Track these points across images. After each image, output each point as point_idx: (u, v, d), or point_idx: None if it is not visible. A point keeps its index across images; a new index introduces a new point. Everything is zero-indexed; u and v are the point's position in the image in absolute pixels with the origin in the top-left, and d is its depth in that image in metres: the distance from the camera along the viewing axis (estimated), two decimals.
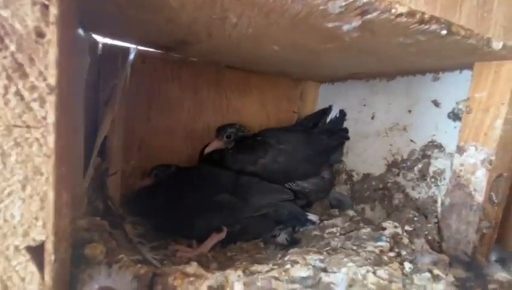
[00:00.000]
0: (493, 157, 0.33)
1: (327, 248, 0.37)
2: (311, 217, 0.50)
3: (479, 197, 0.34)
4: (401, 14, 0.25)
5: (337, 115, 0.62)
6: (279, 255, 0.33)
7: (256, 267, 0.28)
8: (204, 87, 0.58)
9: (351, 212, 0.51)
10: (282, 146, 0.57)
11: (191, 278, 0.25)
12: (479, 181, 0.34)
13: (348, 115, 0.59)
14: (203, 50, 0.45)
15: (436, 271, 0.24)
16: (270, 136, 0.58)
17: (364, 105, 0.56)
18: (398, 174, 0.47)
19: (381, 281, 0.21)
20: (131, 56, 0.42)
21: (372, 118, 0.54)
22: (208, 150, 0.56)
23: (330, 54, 0.38)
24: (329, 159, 0.60)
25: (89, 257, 0.22)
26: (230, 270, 0.27)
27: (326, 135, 0.60)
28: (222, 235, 0.47)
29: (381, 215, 0.48)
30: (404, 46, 0.31)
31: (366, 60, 0.40)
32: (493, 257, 0.35)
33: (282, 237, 0.51)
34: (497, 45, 0.30)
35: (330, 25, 0.27)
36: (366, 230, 0.39)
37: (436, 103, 0.42)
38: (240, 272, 0.26)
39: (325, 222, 0.49)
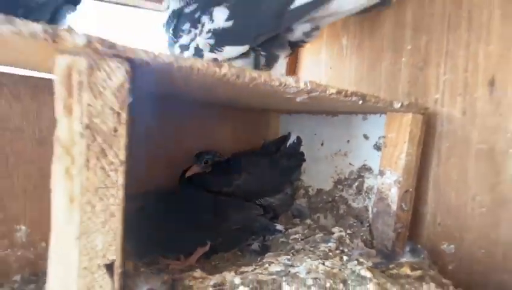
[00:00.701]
0: (401, 179, 0.48)
1: (292, 251, 0.49)
2: (278, 227, 0.62)
3: (394, 207, 0.48)
4: (332, 93, 0.38)
5: (295, 141, 0.76)
6: (258, 259, 0.44)
7: (243, 269, 0.39)
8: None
9: (308, 221, 0.64)
10: (252, 169, 0.69)
11: (200, 280, 0.35)
12: (393, 195, 0.48)
13: (303, 141, 0.73)
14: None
15: (361, 259, 0.36)
16: (241, 161, 0.70)
17: (315, 134, 0.70)
18: (342, 190, 0.62)
19: (327, 269, 0.33)
20: None
21: (322, 144, 0.68)
22: (188, 174, 0.66)
23: (287, 102, 0.51)
24: (290, 178, 0.73)
25: (128, 270, 0.32)
26: (225, 272, 0.37)
27: (287, 158, 0.74)
28: (206, 248, 0.58)
29: (331, 223, 0.62)
30: (339, 102, 0.45)
31: (315, 105, 0.53)
32: (407, 249, 0.50)
33: (255, 246, 0.62)
34: (397, 104, 0.45)
35: (287, 96, 0.40)
36: (319, 235, 0.52)
37: (366, 137, 0.57)
38: (233, 273, 0.37)
39: (289, 230, 0.61)
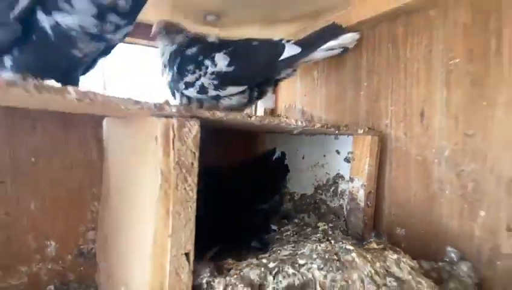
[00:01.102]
0: (366, 183, 0.66)
1: (290, 243, 0.65)
2: (273, 227, 0.77)
3: (362, 204, 0.66)
4: (318, 127, 0.55)
5: (279, 155, 0.92)
6: (267, 251, 0.59)
7: (261, 255, 0.53)
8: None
9: (296, 220, 0.80)
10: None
11: (234, 264, 0.48)
12: (361, 196, 0.66)
13: (288, 155, 0.90)
14: None
15: (344, 241, 0.53)
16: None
17: (297, 150, 0.87)
18: (321, 193, 0.79)
19: (323, 247, 0.49)
20: None
21: (303, 158, 0.85)
22: None
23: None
24: (278, 186, 0.89)
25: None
26: (248, 259, 0.52)
27: (274, 170, 0.90)
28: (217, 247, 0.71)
29: (314, 220, 0.79)
30: (320, 130, 0.62)
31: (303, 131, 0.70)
32: (372, 234, 0.67)
33: (255, 243, 0.77)
34: (360, 131, 0.63)
35: (288, 129, 0.56)
36: (308, 229, 0.68)
37: (338, 152, 0.75)
38: (255, 259, 0.51)
39: (282, 228, 0.76)
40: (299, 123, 0.51)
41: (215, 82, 0.70)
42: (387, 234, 0.64)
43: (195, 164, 0.40)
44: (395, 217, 0.68)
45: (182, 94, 0.74)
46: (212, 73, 0.70)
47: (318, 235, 0.62)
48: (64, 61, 0.50)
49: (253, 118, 0.45)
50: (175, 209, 0.38)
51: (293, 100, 0.99)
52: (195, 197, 0.40)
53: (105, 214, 0.66)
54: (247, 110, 0.79)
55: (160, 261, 0.39)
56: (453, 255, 0.55)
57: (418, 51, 0.65)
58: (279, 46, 0.67)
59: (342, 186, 0.74)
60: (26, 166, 0.68)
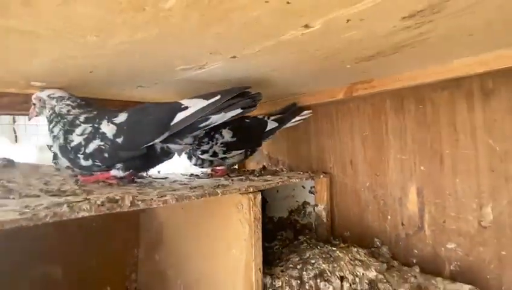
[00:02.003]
0: (326, 207, 1.07)
1: (292, 254, 0.99)
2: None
3: (325, 220, 1.07)
4: (293, 179, 0.92)
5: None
6: (284, 261, 0.93)
7: (290, 263, 0.87)
8: None
9: (278, 237, 1.15)
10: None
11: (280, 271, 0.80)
12: (324, 215, 1.07)
13: (267, 191, 1.25)
14: None
15: (327, 246, 0.90)
16: None
17: (278, 191, 1.23)
18: (294, 215, 1.17)
19: (318, 251, 0.85)
20: None
21: (277, 191, 1.22)
22: None
23: None
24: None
25: None
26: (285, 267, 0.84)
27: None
28: None
29: (290, 235, 1.15)
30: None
31: None
32: (332, 238, 1.08)
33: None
34: (321, 175, 1.04)
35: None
36: (294, 243, 1.04)
37: (303, 187, 1.15)
38: (289, 264, 0.84)
39: (271, 244, 1.11)
40: (294, 179, 0.88)
41: (224, 149, 1.01)
42: (340, 236, 1.06)
43: (260, 216, 0.72)
44: (343, 225, 1.11)
45: (198, 157, 1.02)
46: (221, 143, 1.01)
47: (305, 244, 0.99)
48: (156, 163, 0.75)
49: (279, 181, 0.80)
50: (256, 243, 0.70)
51: (267, 149, 1.35)
52: (261, 234, 0.72)
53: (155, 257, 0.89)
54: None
55: (249, 275, 0.69)
56: (378, 243, 0.99)
57: (344, 125, 1.10)
58: (263, 123, 1.03)
59: (308, 209, 1.13)
60: None
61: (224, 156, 1.02)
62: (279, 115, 1.09)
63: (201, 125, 0.65)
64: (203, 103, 0.62)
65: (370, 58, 0.68)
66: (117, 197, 0.44)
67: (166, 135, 0.63)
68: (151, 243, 0.91)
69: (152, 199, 0.48)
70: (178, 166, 1.26)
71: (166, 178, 0.90)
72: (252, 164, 1.40)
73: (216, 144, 1.00)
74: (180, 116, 0.62)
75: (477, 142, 0.84)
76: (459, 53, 0.76)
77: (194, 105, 0.62)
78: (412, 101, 0.95)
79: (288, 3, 0.38)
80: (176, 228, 0.88)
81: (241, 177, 0.94)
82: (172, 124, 0.63)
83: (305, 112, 1.10)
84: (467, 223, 0.86)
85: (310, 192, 1.13)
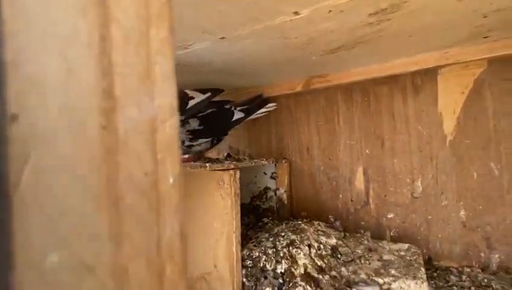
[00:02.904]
0: (286, 190, 1.16)
1: (260, 232, 1.06)
2: None
3: (286, 203, 1.16)
4: (257, 161, 1.00)
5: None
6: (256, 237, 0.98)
7: (262, 237, 0.93)
8: None
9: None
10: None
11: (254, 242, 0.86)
12: (285, 198, 1.16)
13: None
14: None
15: (291, 221, 1.00)
16: None
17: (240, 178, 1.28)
18: (256, 200, 1.24)
19: (285, 226, 0.94)
20: None
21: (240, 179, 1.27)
22: None
23: None
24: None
25: None
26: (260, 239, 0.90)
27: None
28: None
29: (253, 220, 1.22)
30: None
31: None
32: (291, 219, 1.18)
33: None
34: (283, 161, 1.13)
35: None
36: (259, 224, 1.11)
37: (265, 173, 1.23)
38: (263, 238, 0.90)
39: None
40: (263, 162, 0.95)
41: (190, 136, 1.03)
42: (298, 216, 1.17)
43: (239, 191, 0.77)
44: (300, 206, 1.22)
45: None
46: (187, 131, 1.03)
47: (269, 224, 1.07)
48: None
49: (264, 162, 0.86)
50: (236, 216, 0.75)
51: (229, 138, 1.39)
52: (239, 208, 0.77)
53: None
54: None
55: (230, 247, 0.74)
56: (332, 219, 1.12)
57: (301, 115, 1.22)
58: (230, 112, 1.09)
59: (270, 194, 1.22)
60: None
61: (190, 143, 1.04)
62: (245, 106, 1.15)
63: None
64: (202, 96, 0.71)
65: (334, 51, 0.80)
66: None
67: (183, 117, 0.70)
68: None
69: None
70: None
71: None
72: (212, 154, 1.43)
73: (183, 132, 1.02)
74: (191, 103, 0.69)
75: (410, 128, 1.02)
76: (397, 54, 0.93)
77: (196, 96, 0.71)
78: (359, 94, 1.11)
79: None
80: None
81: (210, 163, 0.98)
82: (186, 108, 0.70)
83: (270, 104, 1.18)
84: (403, 195, 1.03)
85: (271, 177, 1.22)
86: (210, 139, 1.08)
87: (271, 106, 1.19)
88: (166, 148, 0.18)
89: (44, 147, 0.15)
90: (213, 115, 1.09)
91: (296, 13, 0.55)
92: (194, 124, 1.04)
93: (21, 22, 0.14)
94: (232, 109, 1.11)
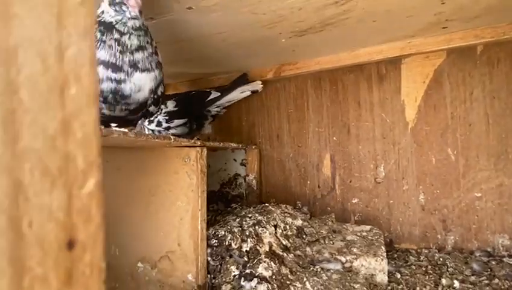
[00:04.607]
0: (256, 176, 1.16)
1: (229, 216, 1.05)
2: None
3: (255, 188, 1.16)
4: (232, 145, 1.00)
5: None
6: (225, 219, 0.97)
7: (230, 218, 0.92)
8: None
9: (210, 208, 1.19)
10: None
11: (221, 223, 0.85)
12: (254, 184, 1.16)
13: None
14: None
15: (260, 205, 1.00)
16: None
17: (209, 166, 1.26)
18: (226, 188, 1.23)
19: (253, 209, 0.94)
20: None
21: (209, 166, 1.26)
22: None
23: None
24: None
25: None
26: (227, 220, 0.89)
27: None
28: None
29: (222, 207, 1.21)
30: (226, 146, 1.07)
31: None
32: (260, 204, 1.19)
33: None
34: (250, 146, 1.13)
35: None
36: (228, 209, 1.11)
37: (235, 160, 1.22)
38: (230, 219, 0.89)
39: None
40: (233, 145, 0.95)
41: (166, 118, 1.01)
42: (267, 202, 1.17)
43: (206, 169, 0.76)
44: (270, 193, 1.22)
45: (148, 129, 1.00)
46: (165, 112, 1.01)
47: (238, 209, 1.06)
48: None
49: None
50: (202, 195, 0.73)
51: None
52: (205, 186, 0.76)
53: None
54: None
55: (195, 224, 0.72)
56: (299, 204, 1.14)
57: (272, 102, 1.23)
58: (207, 93, 1.07)
59: (239, 180, 1.21)
60: None
61: (167, 125, 1.02)
62: (222, 87, 1.13)
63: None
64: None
65: (302, 33, 0.81)
66: None
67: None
68: None
69: (114, 130, 0.48)
70: None
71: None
72: None
73: (160, 113, 1.00)
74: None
75: (374, 115, 1.06)
76: (363, 42, 0.96)
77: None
78: (327, 82, 1.13)
79: None
80: (109, 192, 0.84)
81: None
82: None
83: (257, 82, 1.15)
84: (367, 180, 1.07)
85: (241, 164, 1.21)
86: (186, 120, 1.06)
87: (257, 85, 1.15)
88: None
89: None
90: (189, 97, 1.07)
91: None
92: (170, 105, 1.02)
93: None
94: (209, 90, 1.09)
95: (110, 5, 0.53)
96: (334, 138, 1.12)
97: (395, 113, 1.03)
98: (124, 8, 0.53)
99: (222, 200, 1.22)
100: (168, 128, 1.02)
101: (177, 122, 1.03)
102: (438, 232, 0.98)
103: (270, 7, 0.63)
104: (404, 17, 0.75)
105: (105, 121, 0.66)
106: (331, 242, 0.86)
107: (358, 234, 0.90)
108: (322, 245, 0.84)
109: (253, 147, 1.17)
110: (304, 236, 0.86)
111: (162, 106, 1.01)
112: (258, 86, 1.15)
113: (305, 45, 0.93)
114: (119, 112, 0.61)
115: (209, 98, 1.06)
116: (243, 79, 1.14)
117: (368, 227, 0.95)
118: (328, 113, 1.14)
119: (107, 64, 0.52)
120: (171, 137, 0.64)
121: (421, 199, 1.00)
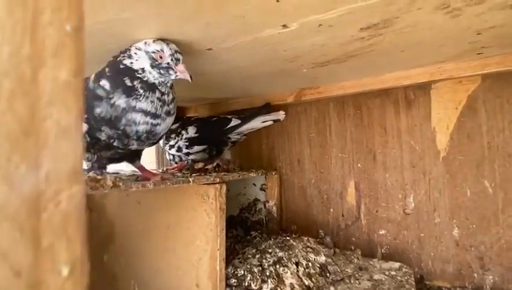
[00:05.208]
0: (276, 203, 1.13)
1: (248, 247, 1.02)
2: None
3: (275, 215, 1.13)
4: (249, 173, 0.97)
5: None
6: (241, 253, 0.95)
7: (249, 254, 0.89)
8: None
9: (229, 234, 1.17)
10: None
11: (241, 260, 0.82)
12: (274, 211, 1.13)
13: None
14: None
15: (280, 237, 0.96)
16: None
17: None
18: (245, 212, 1.20)
19: (273, 242, 0.90)
20: None
21: (228, 190, 1.24)
22: None
23: None
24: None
25: None
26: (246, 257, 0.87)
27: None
28: None
29: (241, 233, 1.19)
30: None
31: None
32: (280, 232, 1.15)
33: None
34: (273, 172, 1.10)
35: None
36: (248, 237, 1.08)
37: (255, 184, 1.20)
38: (249, 255, 0.87)
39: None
40: (251, 174, 0.93)
41: (187, 143, 1.01)
42: (288, 230, 1.14)
43: (225, 206, 0.74)
44: (290, 220, 1.19)
45: (169, 153, 1.02)
46: (185, 138, 1.01)
47: (257, 238, 1.03)
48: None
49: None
50: (221, 233, 0.71)
51: None
52: (225, 224, 0.74)
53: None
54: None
55: (214, 265, 0.70)
56: (322, 234, 1.09)
57: (292, 126, 1.20)
58: (227, 120, 1.06)
59: (259, 206, 1.19)
60: None
61: (187, 151, 1.02)
62: (243, 115, 1.11)
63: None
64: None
65: (325, 64, 0.78)
66: (99, 177, 0.42)
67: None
68: (100, 244, 0.85)
69: (132, 183, 0.47)
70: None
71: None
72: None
73: (181, 139, 1.01)
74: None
75: (402, 142, 1.00)
76: (390, 68, 0.91)
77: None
78: (351, 106, 1.09)
79: (277, 1, 0.43)
80: (129, 225, 0.84)
81: (197, 173, 0.95)
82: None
83: (280, 112, 1.12)
84: (395, 211, 1.01)
85: (261, 189, 1.19)
86: (205, 147, 1.05)
87: (280, 115, 1.12)
88: (59, 230, 0.14)
89: None
90: (209, 123, 1.06)
91: (285, 26, 0.53)
92: (191, 131, 1.02)
93: None
94: (229, 117, 1.08)
95: (153, 67, 0.57)
96: (359, 165, 1.07)
97: (425, 140, 0.97)
98: (170, 72, 0.58)
99: (241, 226, 1.20)
100: (188, 154, 1.02)
101: (197, 148, 1.03)
102: (475, 270, 0.90)
103: (291, 45, 0.61)
104: (436, 46, 0.70)
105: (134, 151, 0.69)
106: (357, 282, 0.81)
107: (387, 273, 0.85)
108: (348, 285, 0.80)
109: (273, 173, 1.14)
110: (328, 274, 0.82)
111: (183, 132, 1.00)
112: (280, 115, 1.12)
113: (327, 73, 0.89)
114: (146, 145, 0.67)
115: (229, 126, 1.04)
116: (266, 109, 1.12)
117: (397, 265, 0.89)
118: (352, 139, 1.09)
119: (147, 113, 0.58)
120: (190, 180, 0.63)
121: (455, 234, 0.93)
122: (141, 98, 0.57)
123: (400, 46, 0.68)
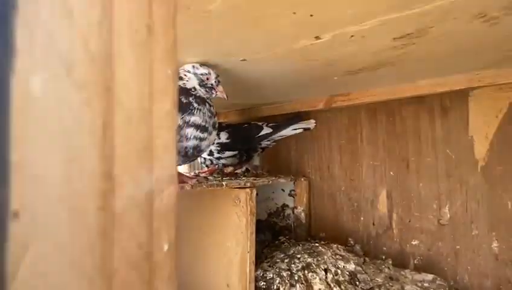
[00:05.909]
0: (304, 209, 1.14)
1: (276, 252, 1.04)
2: None
3: (304, 222, 1.14)
4: (280, 178, 0.99)
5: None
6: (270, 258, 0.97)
7: (277, 258, 0.91)
8: None
9: (260, 238, 1.19)
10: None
11: (269, 263, 0.84)
12: (303, 217, 1.14)
13: None
14: None
15: (309, 243, 0.97)
16: None
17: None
18: (273, 217, 1.22)
19: (302, 248, 0.91)
20: None
21: (257, 194, 1.27)
22: None
23: None
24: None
25: None
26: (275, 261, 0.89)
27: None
28: None
29: (269, 237, 1.20)
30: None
31: None
32: (309, 239, 1.15)
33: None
34: (302, 178, 1.11)
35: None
36: (277, 242, 1.09)
37: (283, 190, 1.21)
38: (277, 259, 0.88)
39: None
40: (281, 180, 0.94)
41: (218, 148, 1.05)
42: (316, 237, 1.14)
43: (255, 210, 0.76)
44: (319, 226, 1.19)
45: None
46: (217, 144, 1.05)
47: (285, 244, 1.05)
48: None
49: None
50: (251, 236, 0.74)
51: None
52: (255, 227, 0.76)
53: None
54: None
55: (244, 268, 0.73)
56: (351, 242, 1.08)
57: (322, 133, 1.20)
58: (259, 128, 1.09)
59: (287, 211, 1.20)
60: None
61: (219, 155, 1.07)
62: (275, 123, 1.13)
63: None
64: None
65: (356, 72, 0.78)
66: None
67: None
68: None
69: (180, 186, 0.51)
70: None
71: None
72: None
73: (213, 143, 1.05)
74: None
75: (437, 151, 0.97)
76: (424, 74, 0.90)
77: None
78: (383, 113, 1.07)
79: (311, 16, 0.46)
80: None
81: (227, 177, 0.99)
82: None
83: (310, 120, 1.15)
84: (428, 221, 0.98)
85: (290, 195, 1.20)
86: (236, 152, 1.09)
87: (310, 123, 1.14)
88: (163, 217, 0.19)
89: (43, 238, 0.15)
90: (241, 130, 1.10)
91: (317, 38, 0.55)
92: (223, 137, 1.06)
93: (30, 128, 0.14)
94: (262, 124, 1.11)
95: (200, 86, 0.70)
96: (391, 173, 1.05)
97: (462, 149, 0.93)
98: (212, 91, 0.72)
99: (270, 231, 1.21)
100: (219, 158, 1.06)
101: (228, 153, 1.06)
102: None
103: (323, 55, 0.63)
104: (473, 54, 0.68)
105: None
106: None
107: (419, 284, 0.83)
108: None
109: (303, 179, 1.15)
110: (357, 283, 0.81)
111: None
112: (311, 124, 1.13)
113: (358, 80, 0.89)
114: (188, 162, 0.77)
115: (260, 134, 1.07)
116: (297, 119, 1.14)
117: (430, 276, 0.87)
118: (384, 146, 1.07)
119: (198, 126, 0.66)
120: (223, 183, 0.66)
121: (495, 247, 0.88)
122: (195, 111, 0.66)
123: (435, 53, 0.67)
